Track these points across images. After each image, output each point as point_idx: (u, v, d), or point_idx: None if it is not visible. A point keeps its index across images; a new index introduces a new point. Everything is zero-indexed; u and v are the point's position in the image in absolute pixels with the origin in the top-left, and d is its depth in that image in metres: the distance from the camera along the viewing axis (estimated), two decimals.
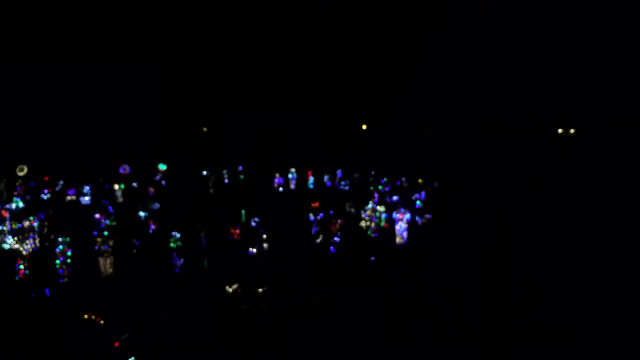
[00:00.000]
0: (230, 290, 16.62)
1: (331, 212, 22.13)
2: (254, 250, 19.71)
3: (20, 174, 23.73)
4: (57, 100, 25.12)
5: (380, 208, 22.37)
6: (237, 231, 20.65)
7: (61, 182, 23.77)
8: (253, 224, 20.88)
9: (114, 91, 25.09)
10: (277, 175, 25.88)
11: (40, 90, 24.81)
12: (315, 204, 22.54)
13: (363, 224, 22.33)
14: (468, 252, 19.19)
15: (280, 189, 25.98)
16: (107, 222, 21.34)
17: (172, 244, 19.46)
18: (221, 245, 19.96)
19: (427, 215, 22.69)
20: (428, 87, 25.11)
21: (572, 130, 27.61)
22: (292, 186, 26.10)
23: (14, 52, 23.54)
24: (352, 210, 23.06)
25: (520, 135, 27.00)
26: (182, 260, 18.44)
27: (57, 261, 18.04)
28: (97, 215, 21.37)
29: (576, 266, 18.20)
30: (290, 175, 25.96)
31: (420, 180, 24.74)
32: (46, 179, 24.01)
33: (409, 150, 25.97)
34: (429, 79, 25.00)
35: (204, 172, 24.87)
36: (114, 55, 24.10)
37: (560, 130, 27.73)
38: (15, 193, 22.66)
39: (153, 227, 21.27)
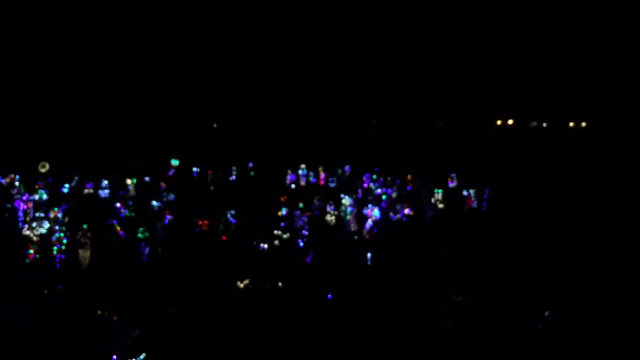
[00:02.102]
0: (242, 285, 16.60)
1: (300, 205, 22.17)
2: (265, 245, 19.77)
3: (42, 170, 24.18)
4: (71, 99, 25.38)
5: (346, 202, 22.06)
6: (206, 222, 20.81)
7: (76, 177, 24.07)
8: (229, 216, 20.91)
9: (124, 90, 25.16)
10: (289, 172, 25.68)
11: (55, 90, 25.08)
12: (283, 199, 22.48)
13: (329, 218, 22.15)
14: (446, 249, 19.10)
15: (293, 185, 25.79)
16: (127, 212, 21.83)
17: (139, 235, 19.81)
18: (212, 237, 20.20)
19: (407, 211, 22.46)
20: (432, 85, 24.71)
21: (583, 124, 27.12)
22: (302, 182, 25.85)
23: (26, 52, 23.69)
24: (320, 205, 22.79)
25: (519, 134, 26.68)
26: (147, 249, 18.87)
27: (55, 248, 18.50)
28: (118, 205, 21.90)
29: (577, 266, 18.04)
30: (300, 172, 25.70)
31: (409, 177, 24.43)
32: (65, 174, 24.38)
33: (409, 147, 25.68)
34: (434, 76, 24.61)
35: (209, 169, 24.94)
36: (129, 54, 24.12)
37: (571, 124, 27.27)
38: (36, 187, 23.01)
39: (169, 217, 21.62)
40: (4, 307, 15.04)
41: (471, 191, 23.50)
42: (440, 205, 23.43)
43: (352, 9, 22.62)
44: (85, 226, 19.37)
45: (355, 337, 14.37)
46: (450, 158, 25.35)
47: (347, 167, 26.07)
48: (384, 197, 23.38)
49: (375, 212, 21.19)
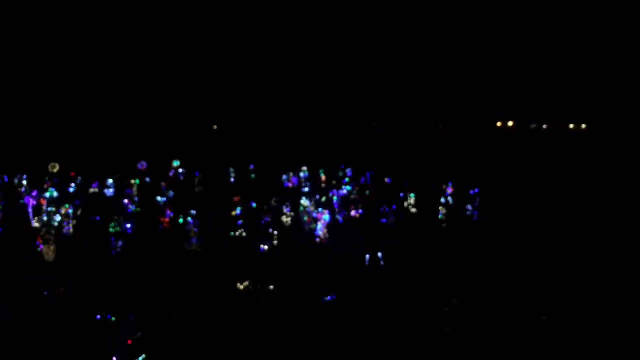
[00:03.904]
0: (242, 287, 16.29)
1: (253, 204, 22.04)
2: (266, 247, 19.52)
3: (53, 171, 24.60)
4: (78, 104, 25.70)
5: (305, 203, 21.70)
6: (167, 220, 21.05)
7: (80, 178, 24.27)
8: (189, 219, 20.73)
9: (128, 95, 25.34)
10: (291, 174, 25.34)
11: (65, 94, 25.35)
12: (237, 198, 22.21)
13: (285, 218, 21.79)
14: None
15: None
16: (134, 207, 22.42)
17: (111, 229, 20.08)
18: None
19: (357, 212, 22.15)
20: (432, 85, 24.35)
21: (583, 125, 26.76)
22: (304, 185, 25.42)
23: (37, 61, 23.88)
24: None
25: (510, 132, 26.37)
26: (120, 242, 18.98)
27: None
28: (126, 201, 22.49)
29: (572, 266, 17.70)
30: (302, 174, 25.30)
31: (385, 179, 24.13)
32: (72, 174, 24.72)
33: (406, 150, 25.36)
34: (434, 77, 24.25)
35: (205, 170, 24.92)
36: (134, 61, 24.16)
37: (572, 126, 26.95)
38: (45, 186, 23.23)
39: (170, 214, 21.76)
40: (5, 306, 14.82)
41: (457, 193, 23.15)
42: (414, 210, 23.09)
43: (352, 9, 22.29)
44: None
45: (355, 338, 14.00)
46: (449, 159, 25.06)
47: (348, 171, 25.66)
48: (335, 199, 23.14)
49: (325, 216, 20.83)
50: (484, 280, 16.77)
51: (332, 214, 22.11)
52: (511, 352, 13.55)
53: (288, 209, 21.88)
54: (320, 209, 21.23)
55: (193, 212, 20.69)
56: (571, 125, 26.70)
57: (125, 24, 23.75)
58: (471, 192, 23.12)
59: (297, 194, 23.69)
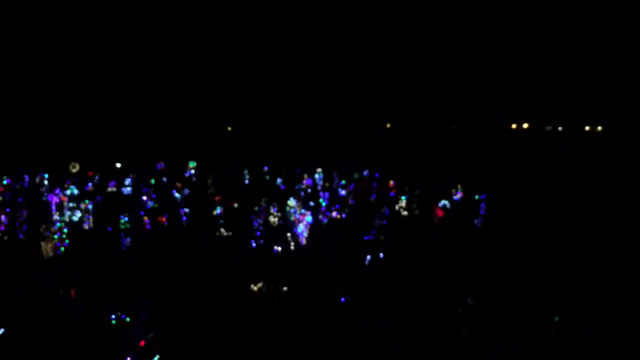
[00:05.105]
0: (256, 288, 16.35)
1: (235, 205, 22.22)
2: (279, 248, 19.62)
3: (73, 170, 24.95)
4: (98, 107, 25.85)
5: (291, 203, 21.68)
6: (164, 219, 21.47)
7: (97, 177, 24.52)
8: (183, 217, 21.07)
9: (141, 96, 25.41)
10: (306, 176, 25.19)
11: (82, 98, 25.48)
12: (218, 198, 22.49)
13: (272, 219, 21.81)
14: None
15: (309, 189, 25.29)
16: (152, 203, 22.72)
17: (121, 226, 20.43)
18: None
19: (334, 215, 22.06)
20: (433, 85, 24.14)
21: (587, 127, 26.42)
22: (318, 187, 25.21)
23: (58, 63, 23.96)
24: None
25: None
26: (128, 239, 19.43)
27: (56, 236, 19.11)
28: (144, 198, 22.79)
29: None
30: (316, 176, 25.10)
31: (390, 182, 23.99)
32: (90, 174, 24.91)
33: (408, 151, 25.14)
34: (435, 77, 24.04)
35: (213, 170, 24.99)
36: (152, 67, 24.25)
37: (587, 127, 26.59)
38: (66, 185, 23.44)
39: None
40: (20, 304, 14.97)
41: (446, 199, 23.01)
42: (405, 213, 22.98)
43: (353, 9, 22.13)
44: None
45: (355, 338, 14.03)
46: (448, 158, 24.85)
47: (365, 172, 25.41)
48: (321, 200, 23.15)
49: (307, 218, 20.87)
50: (484, 280, 16.69)
51: (334, 215, 22.18)
52: (511, 352, 13.52)
53: (276, 209, 21.94)
54: (303, 210, 21.27)
55: (206, 212, 20.83)
56: (586, 128, 26.33)
57: (142, 27, 23.72)
58: (471, 192, 22.99)
59: (302, 194, 23.65)
